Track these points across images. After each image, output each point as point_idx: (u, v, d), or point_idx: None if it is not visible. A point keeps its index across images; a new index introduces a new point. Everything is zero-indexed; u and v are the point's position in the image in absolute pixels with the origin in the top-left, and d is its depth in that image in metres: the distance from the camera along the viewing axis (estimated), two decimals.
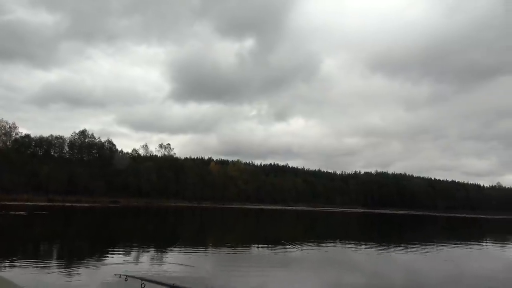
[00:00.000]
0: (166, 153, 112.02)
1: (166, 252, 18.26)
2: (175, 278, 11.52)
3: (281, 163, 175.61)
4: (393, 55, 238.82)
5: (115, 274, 6.65)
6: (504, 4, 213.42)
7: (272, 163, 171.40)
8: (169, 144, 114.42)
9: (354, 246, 25.28)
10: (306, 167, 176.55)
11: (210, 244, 22.29)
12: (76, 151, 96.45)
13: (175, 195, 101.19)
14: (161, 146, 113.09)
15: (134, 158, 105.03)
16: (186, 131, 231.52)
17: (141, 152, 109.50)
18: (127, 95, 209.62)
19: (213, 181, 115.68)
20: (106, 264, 13.83)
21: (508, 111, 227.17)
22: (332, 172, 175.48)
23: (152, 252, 18.18)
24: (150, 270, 12.88)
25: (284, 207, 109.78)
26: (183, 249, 19.35)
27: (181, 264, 14.68)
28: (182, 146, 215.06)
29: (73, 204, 63.91)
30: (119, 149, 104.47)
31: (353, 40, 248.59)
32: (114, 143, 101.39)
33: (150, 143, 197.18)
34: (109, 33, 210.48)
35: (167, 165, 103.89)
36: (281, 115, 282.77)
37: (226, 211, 74.60)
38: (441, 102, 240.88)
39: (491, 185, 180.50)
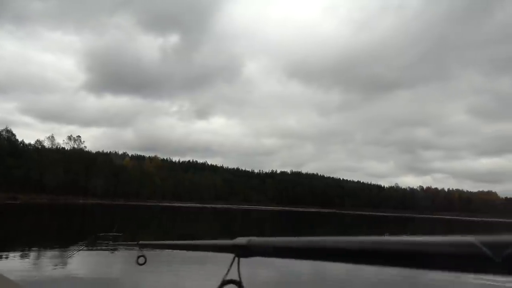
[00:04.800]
0: (75, 146, 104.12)
1: (72, 255, 16.96)
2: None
3: (200, 160, 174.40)
4: (308, 64, 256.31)
5: None
6: (403, 26, 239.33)
7: (191, 160, 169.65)
8: (79, 137, 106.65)
9: None
10: (225, 165, 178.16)
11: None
12: None
13: (84, 191, 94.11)
14: (70, 138, 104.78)
15: (38, 150, 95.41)
16: (99, 124, 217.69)
17: (46, 144, 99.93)
18: (34, 82, 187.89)
19: (128, 177, 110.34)
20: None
21: (403, 121, 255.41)
22: (250, 171, 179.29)
23: (54, 255, 16.74)
24: (52, 275, 11.90)
25: (202, 205, 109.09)
26: (90, 250, 18.17)
27: (90, 267, 13.77)
28: (95, 140, 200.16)
29: None
30: (20, 139, 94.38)
31: (273, 47, 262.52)
32: (13, 132, 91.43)
33: (58, 135, 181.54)
34: (18, 15, 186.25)
35: (76, 159, 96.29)
36: (202, 113, 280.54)
37: (141, 209, 71.79)
38: (349, 109, 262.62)
39: (390, 185, 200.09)
